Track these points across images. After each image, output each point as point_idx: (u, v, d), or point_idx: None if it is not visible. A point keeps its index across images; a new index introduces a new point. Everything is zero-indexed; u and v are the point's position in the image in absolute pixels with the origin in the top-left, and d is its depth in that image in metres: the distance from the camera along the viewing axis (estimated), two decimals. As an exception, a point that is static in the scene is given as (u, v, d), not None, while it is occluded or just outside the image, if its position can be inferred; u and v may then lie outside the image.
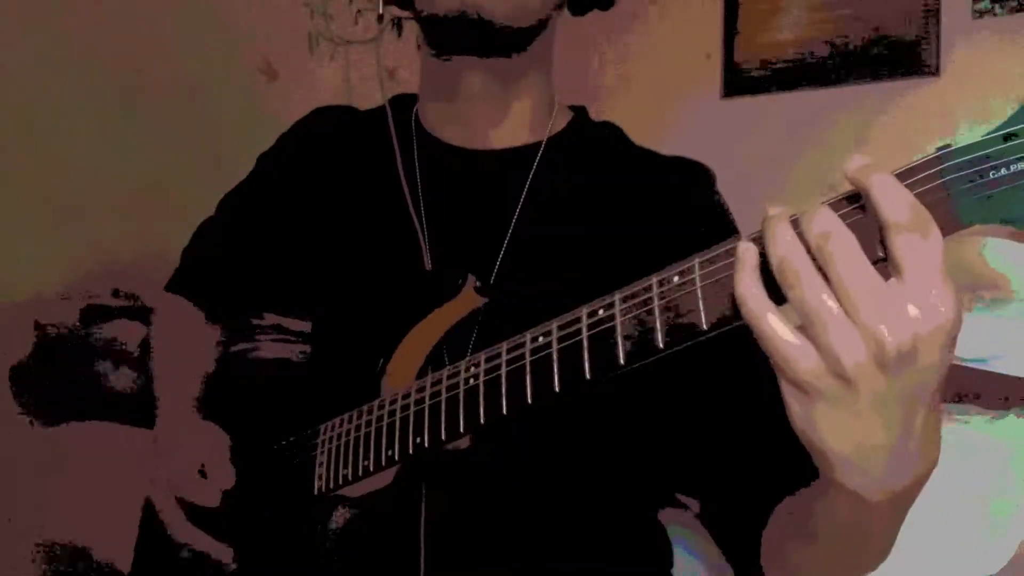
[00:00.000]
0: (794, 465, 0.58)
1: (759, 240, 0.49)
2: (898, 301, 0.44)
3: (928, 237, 0.44)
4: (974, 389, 2.09)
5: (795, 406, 0.48)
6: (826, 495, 0.56)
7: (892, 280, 0.45)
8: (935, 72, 2.43)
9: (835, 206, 0.48)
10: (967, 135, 0.44)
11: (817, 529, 0.60)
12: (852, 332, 0.44)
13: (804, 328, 0.46)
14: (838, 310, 0.45)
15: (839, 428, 0.47)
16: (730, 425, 0.76)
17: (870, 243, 0.46)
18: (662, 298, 0.54)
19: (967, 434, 1.88)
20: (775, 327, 0.47)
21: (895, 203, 0.44)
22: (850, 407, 0.46)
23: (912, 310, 0.44)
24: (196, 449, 0.84)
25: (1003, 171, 0.43)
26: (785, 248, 0.46)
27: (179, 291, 1.05)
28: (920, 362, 0.45)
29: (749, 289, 0.48)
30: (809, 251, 0.46)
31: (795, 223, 0.48)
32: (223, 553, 0.83)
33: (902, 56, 2.47)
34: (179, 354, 0.98)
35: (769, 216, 0.48)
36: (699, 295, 0.52)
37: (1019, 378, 2.05)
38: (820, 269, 0.46)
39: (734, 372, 0.73)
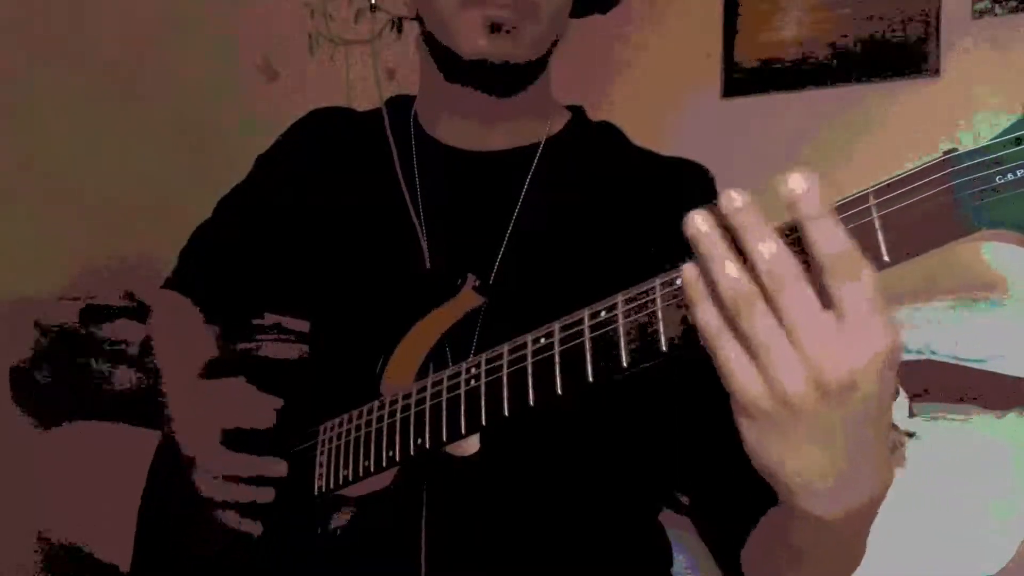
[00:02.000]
0: None
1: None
2: (837, 334, 0.45)
3: (859, 279, 0.45)
4: (974, 389, 2.09)
5: (746, 430, 0.50)
6: (785, 514, 0.57)
7: (834, 316, 0.46)
8: (935, 72, 2.43)
9: (840, 209, 0.47)
10: (969, 134, 0.44)
11: (789, 544, 0.62)
12: (795, 362, 0.46)
13: (751, 355, 0.47)
14: (783, 340, 0.46)
15: (786, 452, 0.49)
16: (720, 423, 0.76)
17: (883, 245, 0.46)
18: (665, 300, 0.54)
19: (968, 434, 1.88)
20: (729, 354, 0.48)
21: (826, 246, 0.45)
22: (795, 433, 0.48)
23: (850, 344, 0.45)
24: (230, 391, 0.83)
25: (1010, 176, 0.42)
26: (731, 281, 0.46)
27: (176, 290, 1.05)
28: (860, 392, 0.46)
29: (705, 316, 0.48)
30: (755, 272, 0.46)
31: (733, 233, 0.47)
32: (276, 466, 0.80)
33: (902, 56, 2.47)
34: (181, 341, 0.97)
35: (704, 232, 0.47)
36: None
37: (1019, 378, 2.05)
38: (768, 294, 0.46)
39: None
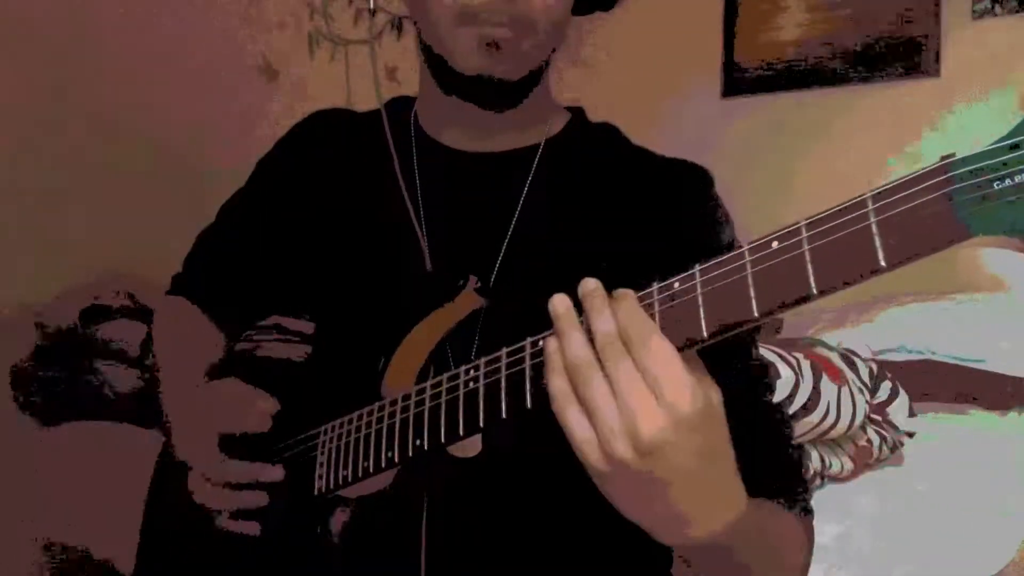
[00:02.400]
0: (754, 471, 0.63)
1: (750, 253, 0.53)
2: (654, 400, 0.53)
3: (648, 348, 0.53)
4: (974, 389, 2.09)
5: (598, 483, 0.57)
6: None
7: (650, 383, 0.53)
8: (935, 72, 2.43)
9: (839, 214, 0.48)
10: (969, 135, 0.44)
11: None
12: (619, 426, 0.53)
13: (589, 418, 0.55)
14: (613, 406, 0.53)
15: (629, 500, 0.57)
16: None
17: (880, 251, 0.46)
18: (662, 304, 0.54)
19: (968, 434, 1.88)
20: (571, 419, 0.55)
21: (603, 325, 0.55)
22: (629, 484, 0.55)
23: (658, 408, 0.53)
24: (225, 394, 0.83)
25: (1008, 182, 0.42)
26: (574, 353, 0.55)
27: (181, 295, 1.05)
28: (668, 450, 0.53)
29: (557, 383, 0.56)
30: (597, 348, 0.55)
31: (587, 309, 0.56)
32: (274, 473, 0.80)
33: (902, 56, 2.47)
34: (181, 346, 0.97)
35: (560, 313, 0.57)
36: (699, 302, 0.52)
37: (1019, 378, 2.05)
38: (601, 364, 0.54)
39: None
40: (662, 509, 0.57)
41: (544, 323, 0.61)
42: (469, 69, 0.80)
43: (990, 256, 2.26)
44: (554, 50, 0.87)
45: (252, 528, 0.81)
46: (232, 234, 1.02)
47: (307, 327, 0.92)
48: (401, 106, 0.97)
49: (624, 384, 0.53)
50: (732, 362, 0.67)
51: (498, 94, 0.83)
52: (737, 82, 2.72)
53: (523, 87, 0.84)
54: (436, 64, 0.84)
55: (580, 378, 0.55)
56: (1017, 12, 2.31)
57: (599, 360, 0.55)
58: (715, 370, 0.57)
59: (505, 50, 0.79)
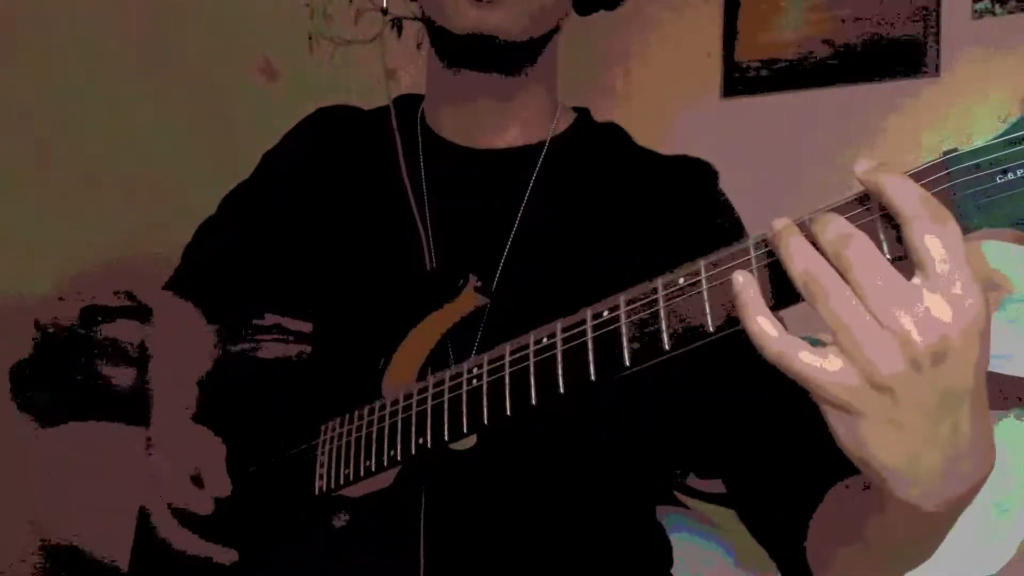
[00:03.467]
0: (826, 456, 0.56)
1: (760, 248, 0.49)
2: (923, 298, 0.43)
3: (947, 226, 0.43)
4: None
5: (840, 428, 0.47)
6: (882, 510, 0.54)
7: (915, 277, 0.44)
8: (935, 72, 2.43)
9: (842, 209, 0.48)
10: (969, 134, 0.44)
11: (870, 538, 0.59)
12: (884, 339, 0.44)
13: (836, 342, 0.45)
14: (868, 318, 0.44)
15: (887, 442, 0.46)
16: (751, 409, 0.75)
17: (885, 243, 0.46)
18: (667, 300, 0.54)
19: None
20: (810, 362, 0.46)
21: (911, 198, 0.44)
22: (894, 418, 0.45)
23: (939, 306, 0.43)
24: (189, 456, 0.83)
25: (1010, 175, 0.42)
26: (806, 262, 0.46)
27: (179, 289, 1.05)
28: (954, 359, 0.44)
29: (766, 330, 0.47)
30: (827, 259, 0.45)
31: (803, 229, 0.47)
32: (221, 555, 0.82)
33: (902, 56, 2.47)
34: (176, 358, 0.97)
35: (778, 229, 0.48)
36: (705, 297, 0.52)
37: (1019, 378, 2.05)
38: (842, 276, 0.45)
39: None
40: (930, 449, 0.46)
41: (546, 321, 0.61)
42: (463, 27, 0.80)
43: (992, 255, 2.26)
44: (556, 31, 0.87)
45: (226, 558, 0.82)
46: (234, 227, 1.02)
47: (305, 327, 0.92)
48: (408, 104, 0.97)
49: (879, 285, 0.43)
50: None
51: (494, 54, 0.82)
52: (737, 82, 2.71)
53: (520, 52, 0.84)
54: (435, 34, 0.85)
55: (819, 293, 0.45)
56: (1017, 12, 2.31)
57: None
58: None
59: (495, 3, 0.79)
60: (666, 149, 0.93)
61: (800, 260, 0.46)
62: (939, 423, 0.46)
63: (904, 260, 0.45)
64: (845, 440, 0.48)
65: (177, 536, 0.82)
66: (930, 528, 0.55)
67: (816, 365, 0.45)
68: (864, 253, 0.45)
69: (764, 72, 2.69)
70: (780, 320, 0.48)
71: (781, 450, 0.72)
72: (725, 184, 0.90)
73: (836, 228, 0.46)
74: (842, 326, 0.45)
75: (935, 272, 0.43)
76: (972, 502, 0.53)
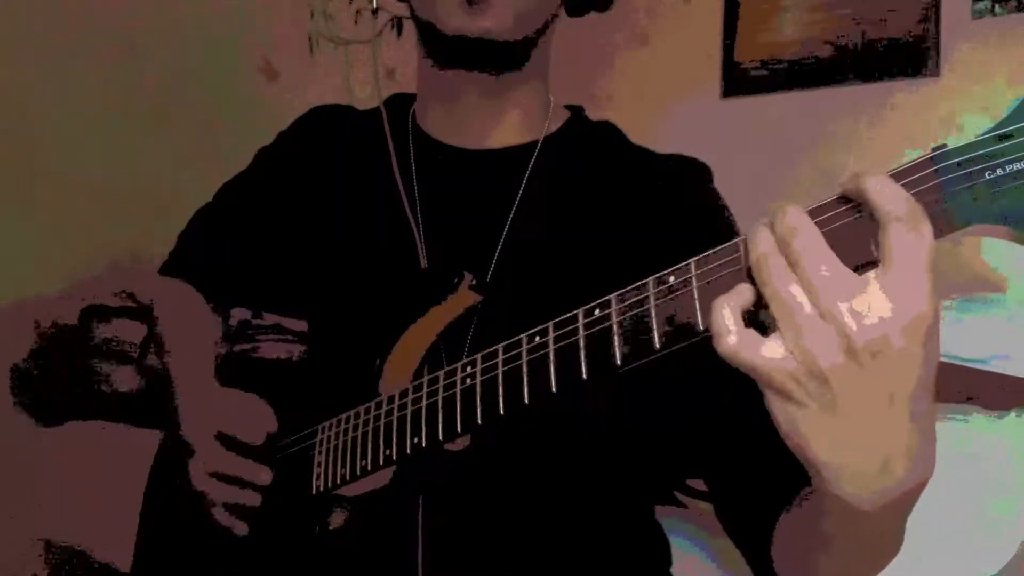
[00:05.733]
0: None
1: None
2: (868, 294, 0.44)
3: (918, 230, 0.44)
4: (974, 389, 2.09)
5: (780, 415, 0.48)
6: (821, 503, 0.55)
7: (872, 273, 0.45)
8: (935, 72, 2.43)
9: (827, 207, 0.48)
10: (968, 134, 0.44)
11: (825, 537, 0.59)
12: (824, 330, 0.45)
13: (778, 328, 0.46)
14: (809, 306, 0.45)
15: (821, 432, 0.47)
16: (736, 409, 0.75)
17: (864, 244, 0.46)
18: (658, 299, 0.54)
19: (968, 434, 1.87)
20: (754, 347, 0.47)
21: (890, 197, 0.45)
22: (829, 408, 0.46)
23: (882, 303, 0.44)
24: (233, 399, 0.83)
25: (999, 171, 0.42)
26: (761, 247, 0.47)
27: (174, 275, 1.04)
28: (894, 357, 0.44)
29: (724, 315, 0.49)
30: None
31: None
32: (261, 473, 0.80)
33: (902, 56, 2.47)
34: (187, 330, 0.97)
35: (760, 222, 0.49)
36: (695, 296, 0.52)
37: (1019, 378, 2.05)
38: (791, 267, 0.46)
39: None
40: (864, 443, 0.46)
41: (540, 320, 0.61)
42: (453, 28, 0.80)
43: (991, 255, 2.25)
44: (546, 28, 0.87)
45: (242, 528, 0.81)
46: (229, 218, 1.02)
47: (301, 326, 0.92)
48: (400, 103, 0.97)
49: (823, 276, 0.45)
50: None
51: (484, 55, 0.82)
52: (737, 82, 2.71)
53: (511, 52, 0.84)
54: (427, 35, 0.85)
55: (764, 275, 0.46)
56: (1017, 12, 2.31)
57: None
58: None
59: (484, 6, 0.79)
60: (665, 149, 0.93)
61: (757, 247, 0.48)
62: (873, 419, 0.46)
63: None
64: (782, 426, 0.48)
65: (219, 460, 0.80)
66: (870, 528, 0.54)
67: (760, 351, 0.47)
68: (811, 244, 0.46)
69: (764, 72, 2.69)
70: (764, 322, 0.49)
71: (756, 448, 0.72)
72: (725, 184, 0.90)
73: (789, 220, 0.47)
74: (784, 313, 0.46)
75: (891, 271, 0.44)
76: (913, 505, 0.53)
